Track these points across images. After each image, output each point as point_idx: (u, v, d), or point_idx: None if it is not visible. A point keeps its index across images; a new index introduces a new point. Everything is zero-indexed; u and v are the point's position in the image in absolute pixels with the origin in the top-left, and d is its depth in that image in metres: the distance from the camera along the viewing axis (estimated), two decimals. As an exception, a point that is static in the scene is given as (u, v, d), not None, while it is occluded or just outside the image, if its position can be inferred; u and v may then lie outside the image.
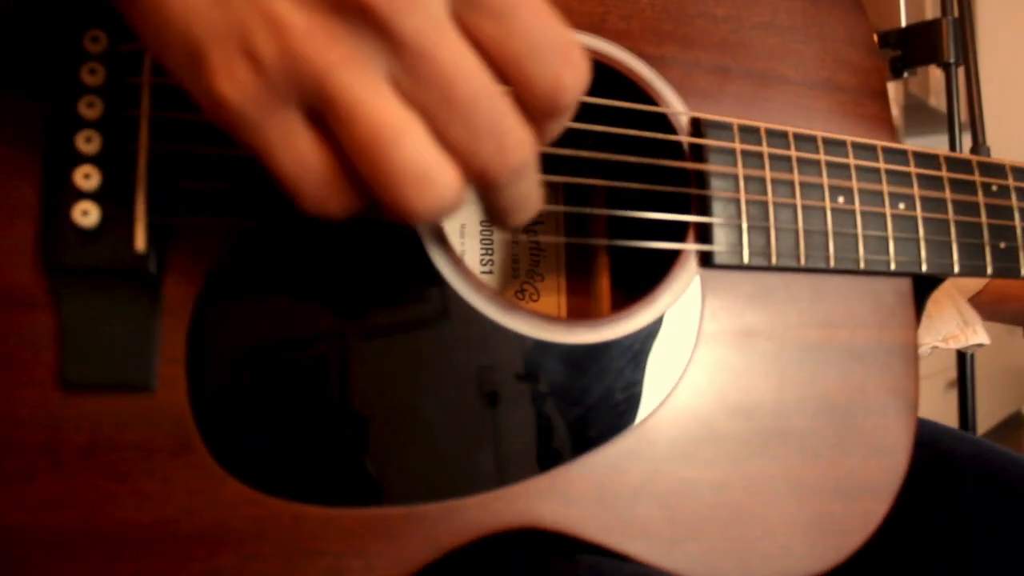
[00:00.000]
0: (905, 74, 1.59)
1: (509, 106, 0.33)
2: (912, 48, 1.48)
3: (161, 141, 0.40)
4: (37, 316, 0.39)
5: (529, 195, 0.36)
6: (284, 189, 0.33)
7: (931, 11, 1.47)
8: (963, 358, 1.61)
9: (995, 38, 4.56)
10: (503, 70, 0.33)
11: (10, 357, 0.39)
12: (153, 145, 0.40)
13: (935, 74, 1.46)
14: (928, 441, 0.68)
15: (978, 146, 1.47)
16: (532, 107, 0.34)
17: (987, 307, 0.82)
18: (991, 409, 4.04)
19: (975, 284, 0.81)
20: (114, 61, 0.40)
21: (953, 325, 0.79)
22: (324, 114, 0.32)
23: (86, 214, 0.38)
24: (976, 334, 0.78)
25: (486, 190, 0.35)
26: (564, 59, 0.33)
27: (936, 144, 1.51)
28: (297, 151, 0.32)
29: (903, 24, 1.53)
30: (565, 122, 0.35)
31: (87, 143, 0.39)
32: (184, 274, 0.41)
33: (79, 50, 0.40)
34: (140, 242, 0.39)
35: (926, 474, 0.65)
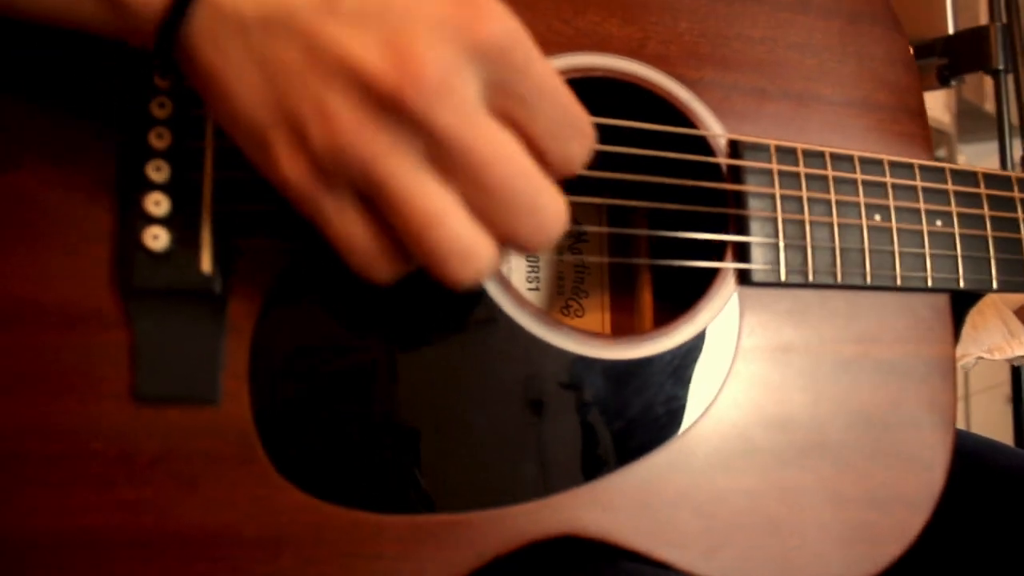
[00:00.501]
0: (952, 83, 1.57)
1: (545, 182, 0.37)
2: (960, 56, 1.47)
3: (224, 168, 0.42)
4: (112, 335, 0.42)
5: (554, 240, 0.40)
6: (339, 255, 0.38)
7: (982, 18, 1.46)
8: (1018, 372, 1.59)
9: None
10: (527, 144, 0.36)
11: (88, 373, 0.41)
12: (217, 173, 0.42)
13: (990, 79, 1.44)
14: (978, 456, 0.69)
15: (1029, 154, 1.45)
16: (547, 172, 0.37)
17: None
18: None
19: (1021, 296, 0.82)
20: (180, 96, 0.43)
21: (998, 337, 0.79)
22: (371, 197, 0.36)
23: (156, 238, 0.41)
24: (1022, 345, 0.79)
25: (523, 251, 0.38)
26: (580, 135, 0.37)
27: (990, 150, 1.50)
28: (348, 225, 0.36)
29: (950, 32, 1.52)
30: None
31: (157, 172, 0.42)
32: (245, 293, 0.43)
33: (149, 86, 0.42)
34: (206, 264, 0.42)
35: (974, 489, 0.66)
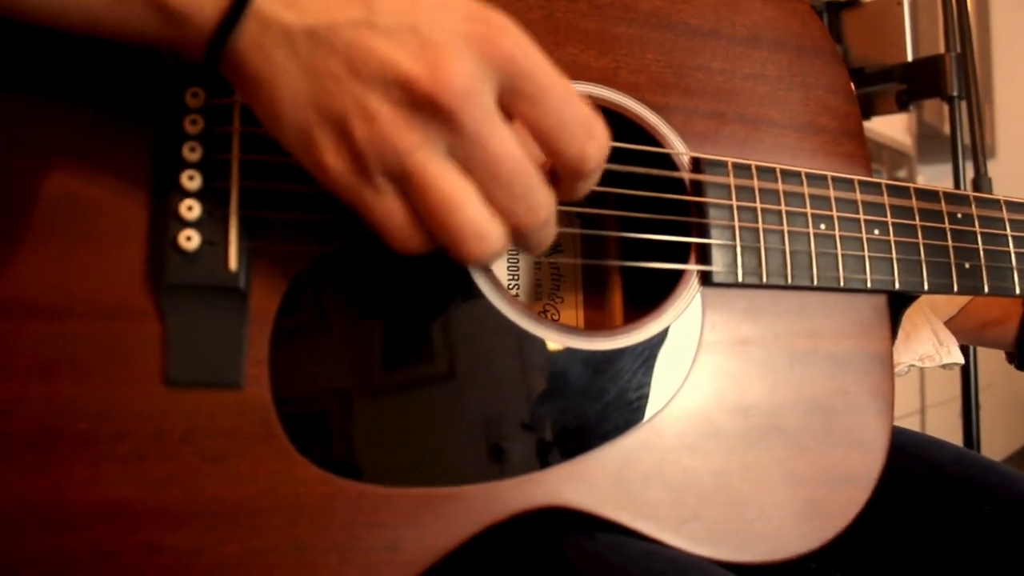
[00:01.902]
0: (911, 107, 1.66)
1: (538, 178, 0.43)
2: (917, 82, 1.55)
3: (249, 179, 0.48)
4: (145, 325, 0.46)
5: (549, 235, 0.46)
6: (378, 233, 0.44)
7: (940, 47, 1.53)
8: (968, 383, 1.67)
9: (1011, 72, 4.64)
10: (539, 142, 0.43)
11: (123, 359, 0.46)
12: (243, 183, 0.48)
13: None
14: (916, 450, 0.75)
15: (980, 176, 1.54)
16: (562, 171, 0.44)
17: (969, 332, 0.90)
18: (1006, 438, 4.07)
19: (951, 308, 0.89)
20: (210, 112, 0.48)
21: (929, 346, 0.86)
22: (403, 184, 0.41)
23: (189, 239, 0.46)
24: (950, 354, 0.85)
25: (519, 236, 0.44)
26: (588, 134, 0.43)
27: (949, 171, 1.58)
28: (386, 208, 0.42)
29: (909, 58, 1.60)
30: (594, 181, 0.45)
31: (190, 180, 0.47)
32: (267, 290, 0.48)
33: (181, 103, 0.48)
34: (233, 263, 0.47)
35: (912, 478, 0.73)
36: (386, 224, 0.43)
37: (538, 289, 0.65)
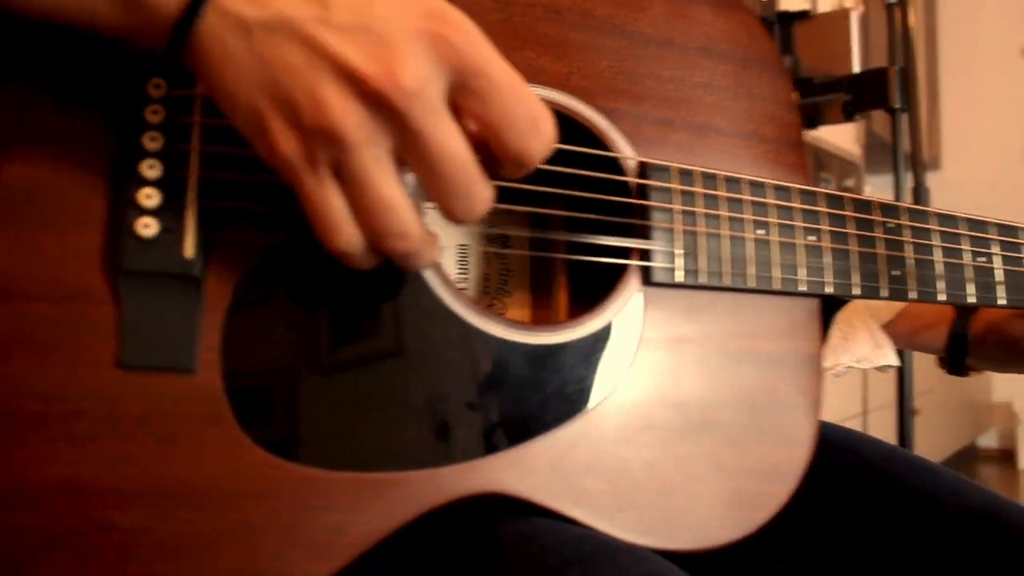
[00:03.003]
0: (856, 117, 1.71)
1: (479, 176, 0.45)
2: (863, 93, 1.60)
3: (209, 169, 0.49)
4: (102, 309, 0.48)
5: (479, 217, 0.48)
6: (312, 223, 0.45)
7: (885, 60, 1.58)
8: (903, 387, 1.73)
9: (957, 85, 4.76)
10: (487, 136, 0.44)
11: (79, 342, 0.47)
12: (202, 173, 0.49)
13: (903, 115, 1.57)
14: (851, 447, 0.79)
15: (919, 186, 1.59)
16: (507, 164, 0.46)
17: (903, 337, 0.94)
18: (947, 440, 4.20)
19: (888, 313, 0.93)
20: (172, 103, 0.49)
21: (866, 348, 0.90)
22: (343, 178, 0.43)
23: (147, 227, 0.48)
24: (886, 356, 0.89)
25: (454, 223, 0.47)
26: (535, 130, 0.45)
27: (906, 181, 1.62)
28: (323, 196, 0.44)
29: (856, 70, 1.65)
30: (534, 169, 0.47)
31: (150, 169, 0.48)
32: (222, 278, 0.50)
33: (143, 94, 0.49)
34: (189, 251, 0.48)
35: (848, 473, 0.76)
36: (319, 214, 0.44)
37: (486, 284, 0.67)
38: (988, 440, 4.84)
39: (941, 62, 4.76)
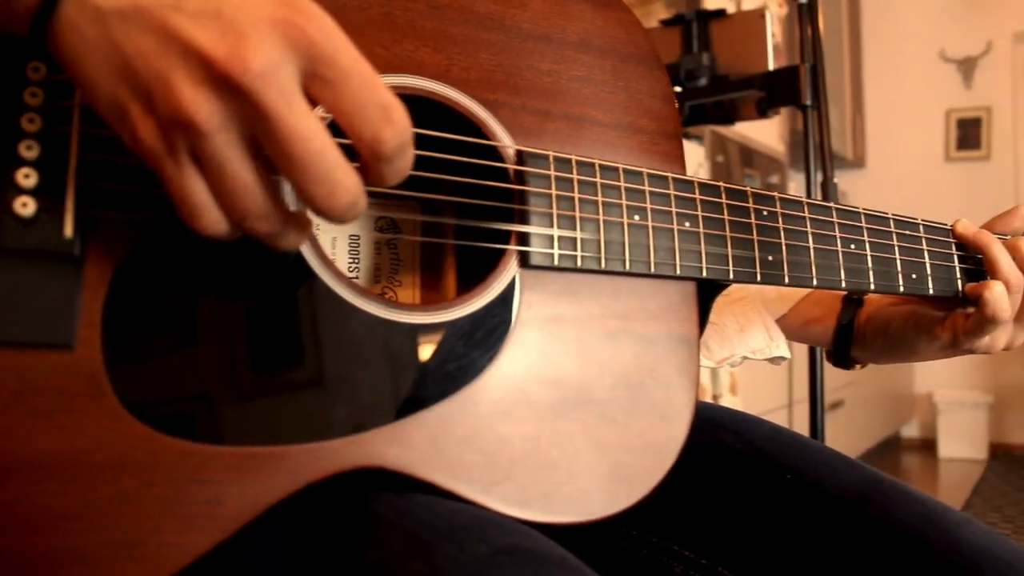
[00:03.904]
0: (769, 113, 1.77)
1: (340, 161, 0.46)
2: (775, 90, 1.66)
3: (89, 151, 0.50)
4: None
5: (354, 215, 0.48)
6: (176, 209, 0.47)
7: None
8: (814, 380, 1.79)
9: (881, 84, 4.90)
10: (340, 125, 0.46)
11: None
12: (82, 154, 0.50)
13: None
14: (734, 427, 0.82)
15: (827, 180, 1.65)
16: (363, 154, 0.47)
17: (795, 330, 0.98)
18: (873, 429, 4.32)
19: (781, 307, 0.97)
20: (51, 87, 0.50)
21: (760, 340, 0.94)
22: (201, 162, 0.45)
23: (25, 206, 0.49)
24: (778, 348, 0.93)
25: (322, 216, 0.47)
26: (386, 118, 0.46)
27: (816, 177, 1.68)
28: (184, 182, 0.46)
29: (770, 68, 1.71)
30: (401, 166, 0.48)
31: (28, 150, 0.49)
32: (103, 257, 0.51)
33: (22, 76, 0.50)
34: (68, 230, 0.50)
35: (730, 451, 0.80)
36: (181, 198, 0.46)
37: (377, 272, 0.69)
38: (911, 430, 5.01)
39: (865, 64, 4.91)
